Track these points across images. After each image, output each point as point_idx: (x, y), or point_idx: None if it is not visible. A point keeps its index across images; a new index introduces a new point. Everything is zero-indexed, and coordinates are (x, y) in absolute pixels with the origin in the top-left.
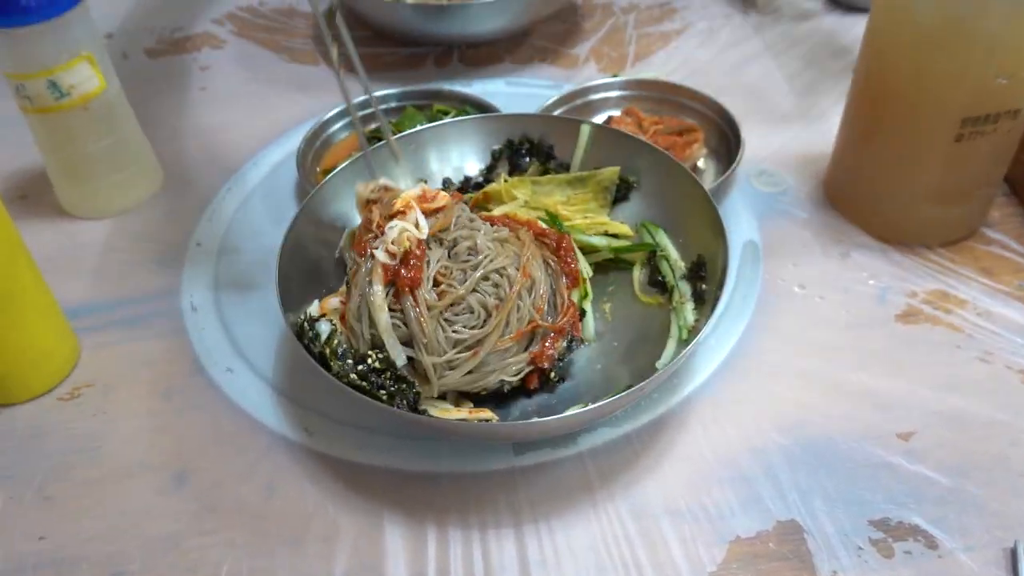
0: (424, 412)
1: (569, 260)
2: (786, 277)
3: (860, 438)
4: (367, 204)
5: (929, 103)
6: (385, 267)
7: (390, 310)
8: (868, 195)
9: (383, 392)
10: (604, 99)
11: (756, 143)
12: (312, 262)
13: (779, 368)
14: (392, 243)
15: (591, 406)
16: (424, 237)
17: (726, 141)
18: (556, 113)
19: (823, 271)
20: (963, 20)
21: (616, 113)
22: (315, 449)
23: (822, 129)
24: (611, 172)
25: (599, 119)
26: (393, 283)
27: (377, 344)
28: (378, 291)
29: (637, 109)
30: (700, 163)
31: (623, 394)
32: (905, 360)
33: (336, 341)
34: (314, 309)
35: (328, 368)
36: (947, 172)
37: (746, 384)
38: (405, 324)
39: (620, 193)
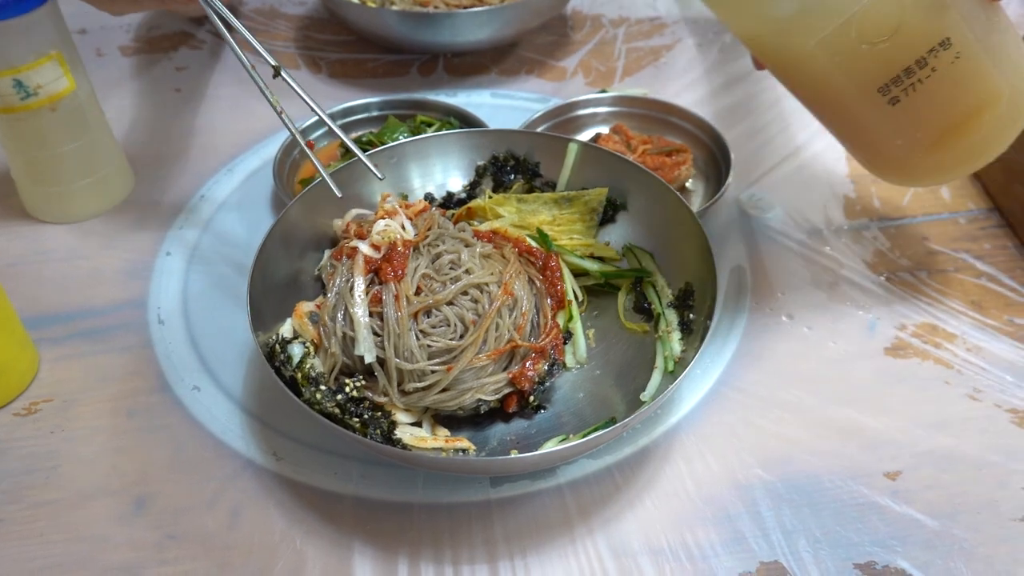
0: (399, 442)
1: (555, 281)
2: (774, 306)
3: (847, 476)
4: (345, 229)
5: (846, 90)
6: (368, 260)
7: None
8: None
9: (356, 420)
10: (592, 115)
11: (746, 165)
12: (288, 278)
13: (765, 400)
14: (377, 234)
15: (570, 443)
16: (410, 237)
17: (715, 162)
18: (542, 128)
19: (811, 301)
20: (802, 29)
21: (604, 130)
22: (284, 475)
23: (813, 151)
24: (599, 193)
25: (586, 136)
26: (373, 279)
27: (349, 347)
28: (359, 283)
29: (625, 127)
30: (688, 184)
31: (603, 431)
32: (893, 395)
33: (308, 365)
34: (287, 329)
35: (299, 393)
36: (909, 128)
37: (731, 416)
38: (379, 331)
39: (607, 214)
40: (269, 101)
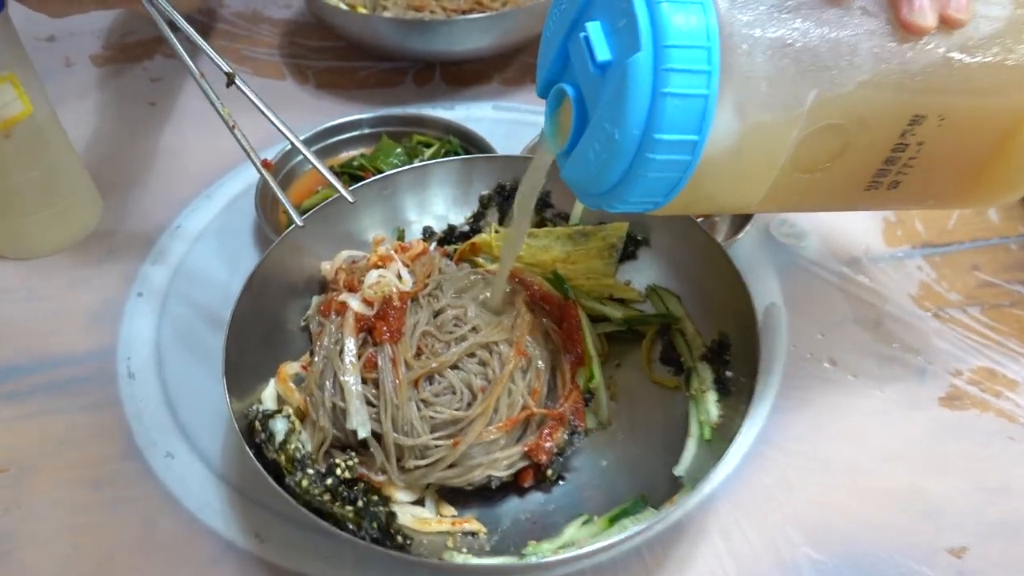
0: (398, 531)
1: (574, 335)
2: (814, 350)
3: (906, 555)
4: (335, 277)
5: (832, 202)
6: (360, 318)
7: (362, 380)
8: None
9: (349, 509)
10: None
11: None
12: (270, 328)
13: (808, 461)
14: (370, 288)
15: (598, 537)
16: (407, 289)
17: None
18: (538, 136)
19: (855, 342)
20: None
21: None
22: (268, 560)
23: None
24: (619, 228)
25: None
26: (367, 339)
27: (340, 419)
28: (349, 346)
29: None
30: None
31: (634, 523)
32: (951, 453)
33: (293, 445)
34: (269, 396)
35: (283, 476)
36: (930, 192)
37: (770, 478)
38: (374, 400)
39: (627, 251)
40: (220, 114)
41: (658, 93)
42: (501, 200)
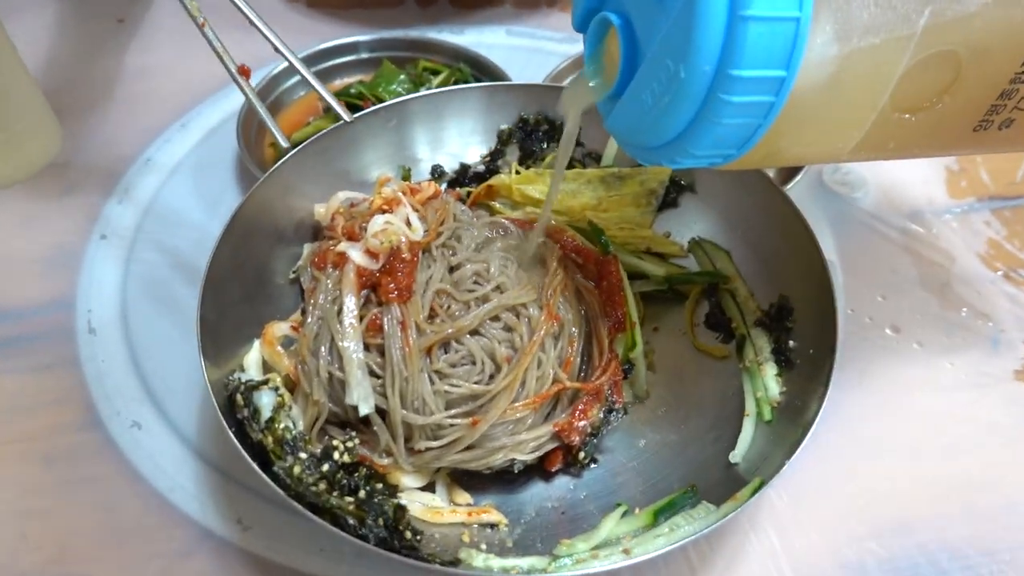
0: (407, 526)
1: (615, 296)
2: (874, 315)
3: (982, 550)
4: (331, 223)
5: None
6: (362, 272)
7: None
8: None
9: (350, 501)
10: None
11: None
12: (254, 282)
13: (872, 444)
14: (374, 238)
15: (641, 555)
16: (418, 238)
17: None
18: (572, 78)
19: (920, 307)
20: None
21: None
22: (252, 551)
23: None
24: (660, 171)
25: None
26: (370, 298)
27: (338, 391)
28: (349, 306)
29: None
30: None
31: (683, 536)
32: None
33: (282, 424)
34: (253, 361)
35: (269, 463)
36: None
37: (831, 467)
38: (379, 371)
39: (668, 197)
40: (186, 7)
41: (736, 18)
42: (523, 136)
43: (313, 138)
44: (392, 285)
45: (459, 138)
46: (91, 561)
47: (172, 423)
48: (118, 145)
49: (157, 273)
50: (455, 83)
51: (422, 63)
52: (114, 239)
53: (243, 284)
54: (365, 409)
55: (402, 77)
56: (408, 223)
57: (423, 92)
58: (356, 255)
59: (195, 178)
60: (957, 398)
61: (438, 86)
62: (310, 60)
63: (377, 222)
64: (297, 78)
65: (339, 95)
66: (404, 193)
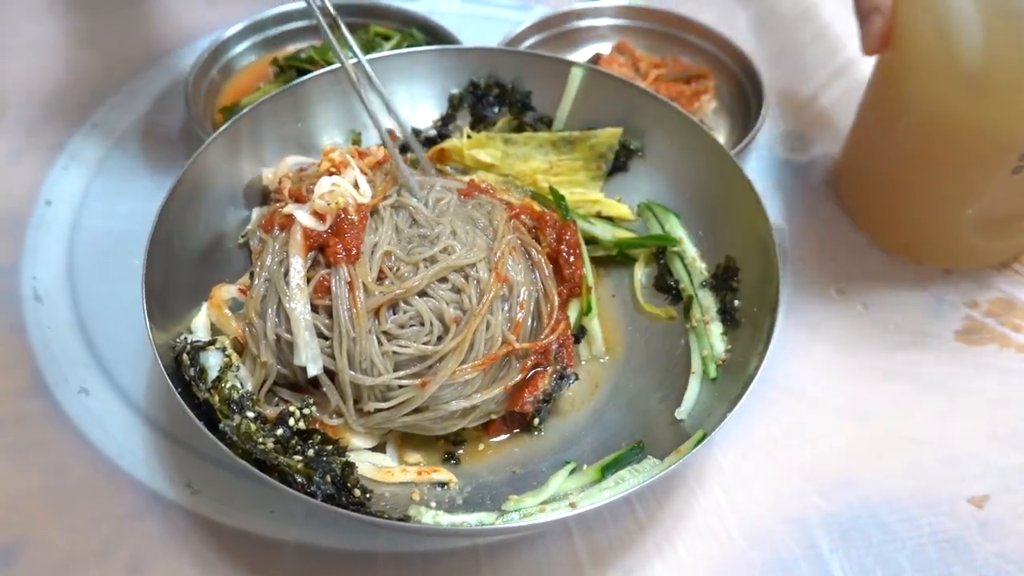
0: (356, 484)
1: (573, 258)
2: (820, 278)
3: (922, 504)
4: (279, 186)
5: (987, 139)
6: (309, 233)
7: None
8: (892, 212)
9: (299, 459)
10: (589, 29)
11: (778, 96)
12: (203, 246)
13: (816, 403)
14: (321, 199)
15: (583, 506)
16: (366, 200)
17: (741, 92)
18: (528, 45)
19: (866, 270)
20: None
21: (605, 49)
22: (202, 514)
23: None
24: (610, 134)
25: (583, 56)
26: (317, 259)
27: (286, 353)
28: (296, 267)
29: (631, 45)
30: (707, 117)
31: (627, 487)
32: (972, 393)
33: (229, 384)
34: (201, 324)
35: (216, 423)
36: (999, 204)
37: (775, 425)
38: (327, 332)
39: (619, 161)
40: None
41: None
42: (474, 101)
43: (258, 102)
44: (340, 246)
45: (409, 102)
46: (40, 526)
47: (120, 389)
48: (62, 112)
49: (104, 239)
50: (407, 47)
51: (373, 28)
52: (59, 205)
53: (191, 248)
54: (313, 370)
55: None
56: (356, 185)
57: (371, 56)
58: (303, 216)
59: (143, 145)
60: (900, 357)
61: (391, 49)
62: (260, 25)
63: (324, 184)
64: (247, 43)
65: (289, 60)
66: (352, 156)
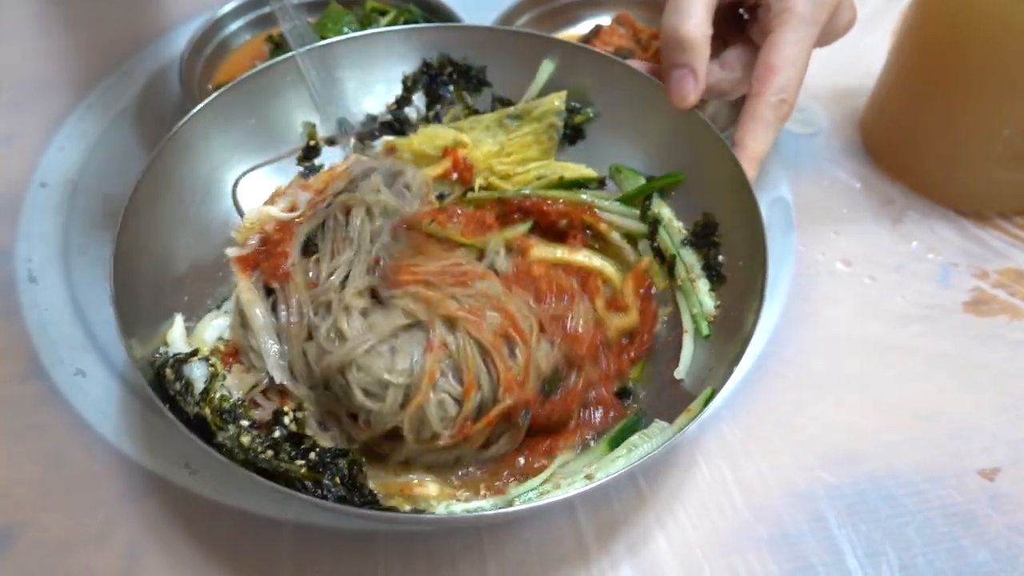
0: (365, 480)
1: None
2: (827, 250)
3: (931, 477)
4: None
5: (1017, 55)
6: (240, 260)
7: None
8: (922, 153)
9: (301, 464)
10: (590, 1)
11: None
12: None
13: (822, 377)
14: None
15: (594, 482)
16: (285, 217)
17: None
18: (527, 18)
19: (872, 242)
20: None
21: (605, 20)
22: (201, 494)
23: (868, 46)
24: (553, 99)
25: (584, 28)
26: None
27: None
28: (243, 285)
29: (632, 17)
30: None
31: (642, 452)
32: (980, 365)
33: (218, 393)
34: (176, 336)
35: (211, 435)
36: None
37: (781, 398)
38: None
39: (576, 129)
40: None
41: None
42: (428, 81)
43: (229, 85)
44: (266, 265)
45: (363, 87)
46: (38, 509)
47: (117, 370)
48: (57, 93)
49: (99, 221)
50: (404, 23)
51: (370, 3)
52: (54, 187)
53: (156, 266)
54: (280, 378)
55: (348, 18)
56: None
57: (318, 43)
58: (231, 251)
59: (138, 127)
60: (906, 330)
61: (386, 25)
62: (257, 3)
63: (251, 214)
64: (241, 22)
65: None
66: (299, 189)
